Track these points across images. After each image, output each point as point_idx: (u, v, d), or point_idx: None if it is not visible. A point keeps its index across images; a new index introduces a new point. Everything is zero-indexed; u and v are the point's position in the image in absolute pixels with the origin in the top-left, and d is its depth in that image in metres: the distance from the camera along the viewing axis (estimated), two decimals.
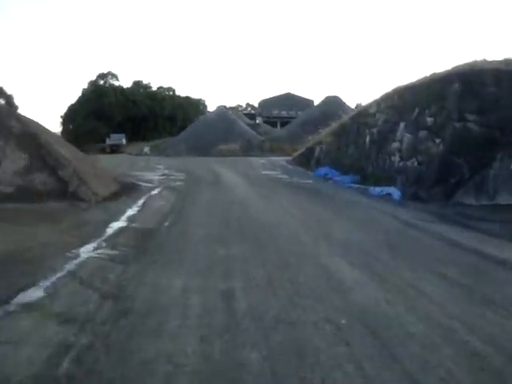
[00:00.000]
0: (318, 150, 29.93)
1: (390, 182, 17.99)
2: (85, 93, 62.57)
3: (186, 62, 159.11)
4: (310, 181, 21.65)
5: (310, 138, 34.91)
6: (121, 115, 63.89)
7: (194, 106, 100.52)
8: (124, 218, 11.30)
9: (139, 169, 27.88)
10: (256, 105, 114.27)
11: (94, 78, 65.67)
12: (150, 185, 18.71)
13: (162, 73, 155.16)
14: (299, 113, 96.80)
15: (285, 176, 23.91)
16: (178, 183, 19.55)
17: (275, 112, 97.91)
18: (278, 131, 60.85)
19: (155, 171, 26.02)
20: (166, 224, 10.51)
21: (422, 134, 16.75)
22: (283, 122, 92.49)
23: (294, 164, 32.98)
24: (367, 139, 21.92)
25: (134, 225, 10.39)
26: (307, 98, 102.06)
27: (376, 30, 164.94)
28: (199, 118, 70.17)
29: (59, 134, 66.69)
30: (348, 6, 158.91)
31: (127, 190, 16.15)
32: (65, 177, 14.37)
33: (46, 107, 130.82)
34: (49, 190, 13.35)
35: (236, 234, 9.18)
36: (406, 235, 9.64)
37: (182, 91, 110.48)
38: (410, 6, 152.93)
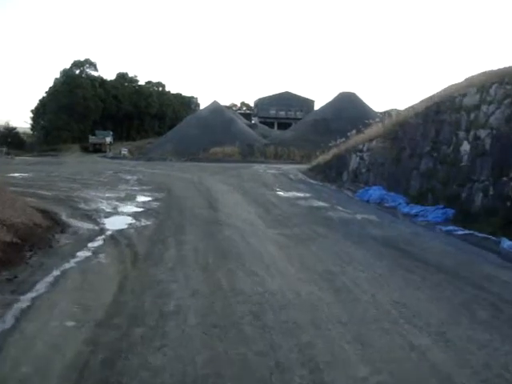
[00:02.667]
0: (355, 159, 21.17)
1: None
2: (57, 83, 53.41)
3: (176, 57, 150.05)
4: (370, 216, 12.81)
5: (338, 141, 25.98)
6: (99, 111, 54.62)
7: (185, 104, 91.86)
8: None
9: (98, 183, 18.94)
10: (251, 104, 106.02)
11: (68, 66, 56.20)
12: (88, 227, 9.81)
13: (150, 68, 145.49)
14: (298, 113, 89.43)
15: (320, 203, 15.09)
16: (143, 223, 10.56)
17: (272, 112, 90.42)
18: (283, 133, 51.96)
19: (118, 189, 17.04)
20: None
21: None
22: (281, 123, 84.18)
23: (317, 178, 24.23)
24: (465, 148, 13.18)
25: None
26: (307, 97, 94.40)
27: (377, 25, 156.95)
28: (190, 115, 61.49)
29: (29, 130, 57.70)
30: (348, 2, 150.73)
31: (22, 253, 7.30)
32: None
33: (18, 99, 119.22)
34: None
35: None
36: None
37: (172, 88, 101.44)
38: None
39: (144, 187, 17.64)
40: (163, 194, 15.49)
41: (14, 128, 59.56)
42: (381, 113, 49.90)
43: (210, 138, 44.29)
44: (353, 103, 48.84)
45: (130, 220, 10.76)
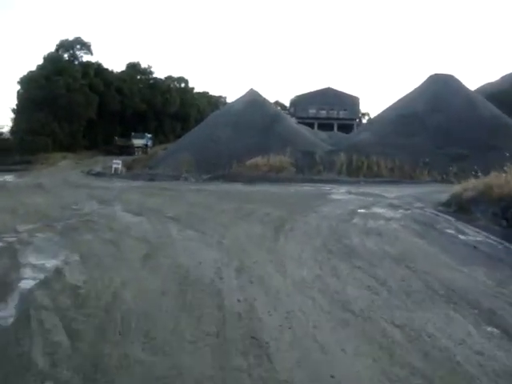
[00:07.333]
0: None
1: None
2: (33, 71, 39.37)
3: (201, 53, 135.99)
4: None
5: None
6: (93, 107, 40.54)
7: (212, 104, 78.11)
8: None
9: None
10: (286, 103, 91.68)
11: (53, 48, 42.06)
12: None
13: (171, 64, 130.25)
14: (341, 112, 75.91)
15: None
16: None
17: (312, 112, 75.88)
18: (353, 135, 36.65)
19: None
20: None
21: None
22: (321, 125, 69.32)
23: None
24: None
25: None
26: (352, 94, 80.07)
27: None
28: (219, 109, 47.79)
29: (7, 133, 44.20)
30: None
31: None
32: None
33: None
34: None
35: None
36: None
37: (197, 87, 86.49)
38: None
39: None
40: None
41: (1, 134, 46.20)
42: None
43: (246, 142, 29.68)
44: (452, 90, 33.48)
45: None
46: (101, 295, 5.87)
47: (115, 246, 8.53)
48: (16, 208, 13.29)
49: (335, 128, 69.91)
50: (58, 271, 6.97)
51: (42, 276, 6.73)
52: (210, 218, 11.64)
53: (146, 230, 10.06)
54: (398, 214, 13.63)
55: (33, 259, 7.68)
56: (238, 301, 5.67)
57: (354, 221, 12.04)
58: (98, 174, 27.13)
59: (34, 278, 6.64)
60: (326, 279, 6.78)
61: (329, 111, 76.53)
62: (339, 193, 18.68)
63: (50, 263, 7.41)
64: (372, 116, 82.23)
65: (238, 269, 7.07)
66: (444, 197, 16.27)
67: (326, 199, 16.44)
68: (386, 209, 14.52)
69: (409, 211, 14.22)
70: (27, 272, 6.97)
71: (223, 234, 9.72)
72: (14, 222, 10.82)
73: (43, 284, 6.36)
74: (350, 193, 18.69)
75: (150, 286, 6.20)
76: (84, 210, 13.22)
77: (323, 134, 45.42)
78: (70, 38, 42.02)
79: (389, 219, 12.55)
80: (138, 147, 44.96)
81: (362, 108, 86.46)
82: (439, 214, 13.85)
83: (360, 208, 14.43)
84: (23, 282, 6.50)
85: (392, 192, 19.17)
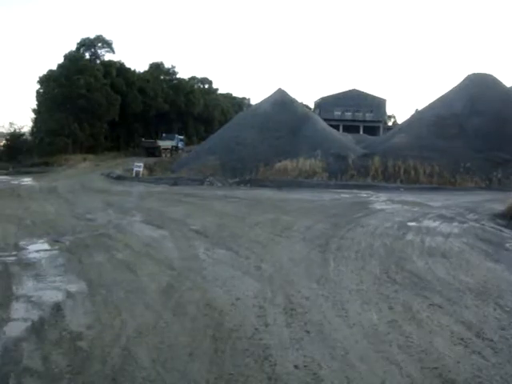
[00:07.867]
0: None
1: None
2: (56, 70, 38.28)
3: (224, 55, 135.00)
4: None
5: None
6: (115, 107, 39.27)
7: (236, 106, 76.99)
8: None
9: None
10: (311, 105, 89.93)
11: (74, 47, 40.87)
12: None
13: (195, 66, 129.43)
14: (367, 114, 74.49)
15: None
16: None
17: (337, 113, 74.18)
18: (386, 138, 34.57)
19: None
20: None
21: None
22: (346, 127, 67.63)
23: None
24: None
25: None
26: (378, 96, 78.16)
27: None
28: (244, 110, 46.26)
29: (28, 134, 43.10)
30: None
31: None
32: None
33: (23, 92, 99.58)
34: None
35: None
36: None
37: (221, 88, 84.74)
38: None
39: None
40: None
41: (22, 134, 45.05)
42: None
43: (273, 144, 28.14)
44: (493, 91, 31.25)
45: None
46: (108, 352, 4.34)
47: (131, 272, 7.02)
48: (23, 217, 11.93)
49: (361, 130, 68.01)
50: (56, 308, 5.50)
51: (35, 316, 5.26)
52: (243, 233, 10.06)
53: (169, 249, 8.54)
54: (455, 228, 11.88)
55: (29, 289, 6.23)
56: (296, 367, 4.07)
57: (409, 237, 10.35)
58: (119, 178, 25.78)
59: (25, 320, 5.18)
60: (403, 327, 5.14)
61: (354, 113, 74.91)
62: (380, 201, 16.94)
63: (49, 296, 5.94)
64: (398, 118, 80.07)
65: (286, 309, 5.49)
66: (498, 207, 14.60)
67: (368, 209, 14.74)
68: (438, 221, 12.76)
69: (465, 225, 12.45)
70: (19, 309, 5.52)
71: (260, 254, 8.15)
72: (17, 236, 9.45)
73: (35, 330, 4.88)
74: (392, 201, 16.94)
75: (173, 339, 4.64)
76: (98, 220, 11.78)
77: (349, 137, 43.43)
78: (92, 37, 41.04)
79: (447, 235, 10.82)
80: (165, 149, 42.89)
81: (388, 110, 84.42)
82: (502, 228, 12.10)
83: (409, 220, 12.71)
84: (10, 325, 5.04)
85: (437, 200, 17.41)
